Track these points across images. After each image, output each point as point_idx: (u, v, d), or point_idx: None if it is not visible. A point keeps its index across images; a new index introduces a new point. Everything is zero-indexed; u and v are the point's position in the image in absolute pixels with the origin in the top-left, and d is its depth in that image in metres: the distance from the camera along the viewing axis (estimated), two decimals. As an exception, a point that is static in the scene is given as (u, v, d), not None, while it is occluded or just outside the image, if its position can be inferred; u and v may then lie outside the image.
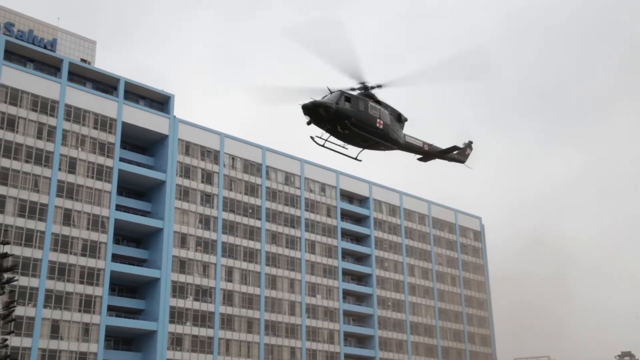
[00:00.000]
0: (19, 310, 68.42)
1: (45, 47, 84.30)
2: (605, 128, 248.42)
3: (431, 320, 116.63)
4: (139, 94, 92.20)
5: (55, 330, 75.22)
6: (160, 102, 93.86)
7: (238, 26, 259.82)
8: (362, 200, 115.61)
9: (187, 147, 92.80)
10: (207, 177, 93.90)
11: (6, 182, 75.85)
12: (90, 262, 79.46)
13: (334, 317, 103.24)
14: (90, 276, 79.11)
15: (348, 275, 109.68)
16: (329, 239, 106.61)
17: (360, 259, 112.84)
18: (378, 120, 30.80)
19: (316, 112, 29.12)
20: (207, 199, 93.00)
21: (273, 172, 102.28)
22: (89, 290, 78.59)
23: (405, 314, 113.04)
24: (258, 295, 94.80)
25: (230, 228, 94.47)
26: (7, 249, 54.43)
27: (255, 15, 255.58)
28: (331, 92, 30.08)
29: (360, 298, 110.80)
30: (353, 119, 29.63)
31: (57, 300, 76.11)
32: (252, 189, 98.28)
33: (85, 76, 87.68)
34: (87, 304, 78.10)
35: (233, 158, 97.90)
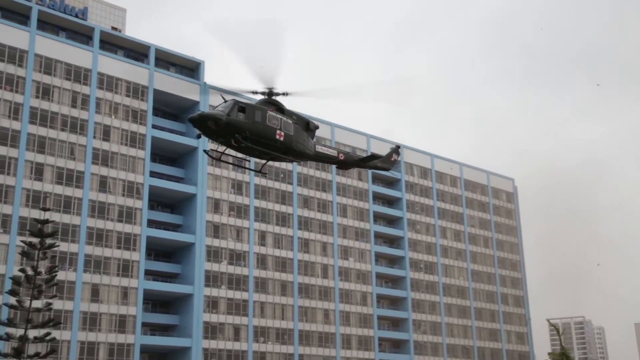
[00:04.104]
0: (61, 275, 70.29)
1: (76, 16, 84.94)
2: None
3: (464, 282, 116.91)
4: (169, 61, 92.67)
5: (95, 293, 77.29)
6: (190, 68, 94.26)
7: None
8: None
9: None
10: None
11: (43, 150, 77.39)
12: (127, 228, 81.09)
13: (367, 279, 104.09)
14: (127, 241, 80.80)
15: (380, 238, 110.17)
16: (360, 202, 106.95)
17: (392, 221, 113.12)
18: (278, 131, 27.11)
19: (204, 126, 25.71)
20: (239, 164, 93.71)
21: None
22: (126, 255, 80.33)
23: (437, 276, 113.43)
24: (291, 258, 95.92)
25: (262, 193, 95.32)
26: (47, 215, 55.73)
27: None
28: (225, 101, 26.60)
29: (393, 260, 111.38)
30: (247, 131, 26.09)
31: (96, 265, 78.03)
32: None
33: (116, 44, 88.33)
34: (125, 268, 79.95)
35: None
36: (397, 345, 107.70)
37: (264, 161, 28.97)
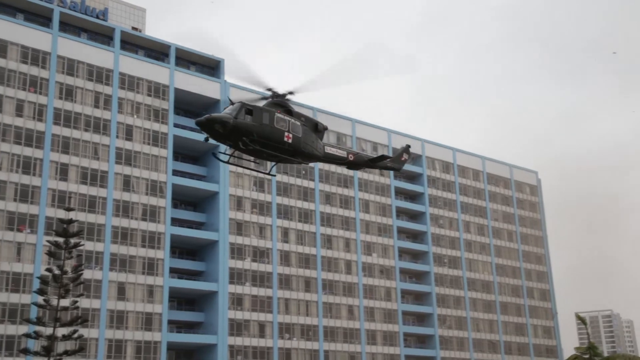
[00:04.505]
0: (87, 274, 70.96)
1: (97, 17, 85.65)
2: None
3: (488, 276, 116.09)
4: (189, 60, 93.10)
5: (121, 292, 77.95)
6: (210, 67, 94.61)
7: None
8: (414, 158, 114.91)
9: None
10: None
11: (68, 151, 78.16)
12: (151, 226, 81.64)
13: (391, 275, 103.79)
14: (151, 240, 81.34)
15: (403, 233, 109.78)
16: (382, 197, 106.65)
17: (415, 217, 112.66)
18: (286, 133, 26.89)
19: (212, 129, 25.45)
20: (261, 161, 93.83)
21: (325, 133, 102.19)
22: (150, 253, 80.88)
23: (462, 271, 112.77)
24: (314, 255, 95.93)
25: (284, 190, 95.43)
26: (71, 215, 56.27)
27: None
28: (232, 104, 26.43)
29: (416, 256, 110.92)
30: (255, 134, 25.84)
31: (121, 263, 78.65)
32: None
33: (137, 44, 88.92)
34: (150, 266, 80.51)
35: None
36: (423, 341, 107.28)
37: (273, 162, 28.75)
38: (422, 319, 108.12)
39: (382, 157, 32.95)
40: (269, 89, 27.57)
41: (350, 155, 31.21)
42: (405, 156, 35.06)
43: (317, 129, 29.28)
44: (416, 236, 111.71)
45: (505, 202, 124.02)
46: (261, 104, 27.24)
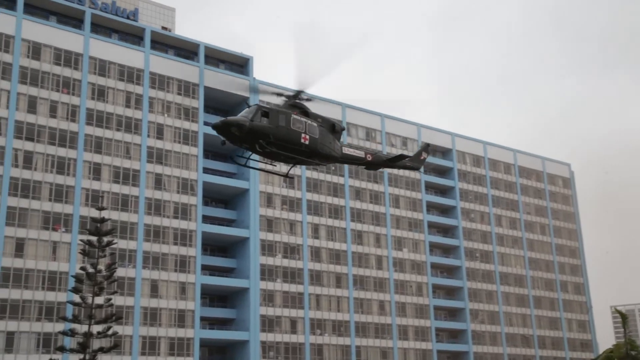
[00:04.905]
0: (120, 272, 72.12)
1: (128, 17, 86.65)
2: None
3: (521, 270, 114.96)
4: (218, 58, 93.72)
5: (154, 289, 79.00)
6: (239, 64, 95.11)
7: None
8: (444, 152, 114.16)
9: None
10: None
11: (100, 150, 79.36)
12: (183, 224, 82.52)
13: (422, 269, 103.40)
14: (183, 237, 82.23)
15: (434, 228, 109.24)
16: (412, 192, 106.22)
17: (446, 211, 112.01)
18: (303, 135, 26.77)
19: (228, 132, 25.46)
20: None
21: (354, 129, 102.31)
22: (182, 250, 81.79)
23: (494, 265, 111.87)
24: (345, 250, 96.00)
25: (314, 186, 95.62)
26: (104, 214, 57.18)
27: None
28: (249, 106, 26.48)
29: (447, 250, 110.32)
30: (271, 136, 25.78)
31: (154, 261, 79.69)
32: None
33: (166, 43, 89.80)
34: (182, 264, 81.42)
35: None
36: (455, 336, 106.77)
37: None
38: (454, 313, 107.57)
39: (401, 157, 32.82)
40: (279, 94, 27.63)
41: (368, 156, 31.07)
42: (424, 155, 34.92)
43: (335, 129, 29.05)
44: (447, 231, 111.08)
45: (538, 195, 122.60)
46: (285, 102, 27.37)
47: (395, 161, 32.45)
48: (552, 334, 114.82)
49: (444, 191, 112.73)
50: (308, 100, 27.89)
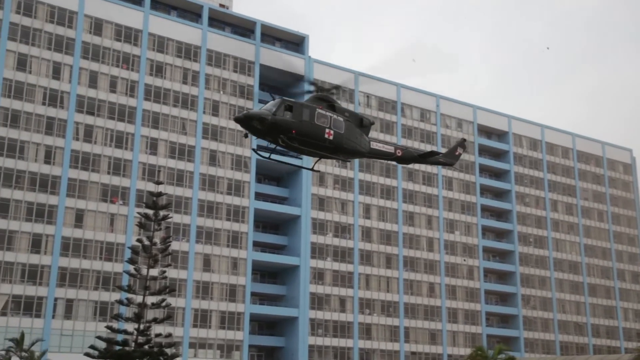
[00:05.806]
0: (175, 245, 73.72)
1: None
2: None
3: (576, 256, 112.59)
4: (274, 36, 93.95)
5: (207, 263, 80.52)
6: (295, 43, 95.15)
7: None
8: (500, 135, 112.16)
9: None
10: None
11: (157, 126, 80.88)
12: (236, 200, 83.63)
13: (473, 253, 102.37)
14: (235, 213, 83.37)
15: (487, 211, 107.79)
16: (466, 175, 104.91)
17: (500, 195, 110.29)
18: (327, 130, 26.11)
19: (250, 125, 25.35)
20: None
21: (408, 109, 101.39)
22: (235, 226, 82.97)
23: (548, 251, 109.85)
24: (396, 231, 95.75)
25: (366, 166, 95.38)
26: (161, 188, 58.29)
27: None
28: (273, 99, 26.07)
29: (500, 234, 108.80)
30: (294, 131, 25.32)
31: (207, 236, 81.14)
32: (387, 127, 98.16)
33: (223, 21, 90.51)
34: (234, 239, 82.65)
35: (368, 96, 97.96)
36: (506, 320, 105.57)
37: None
38: (505, 298, 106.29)
39: (432, 153, 32.01)
40: (313, 83, 27.16)
41: (398, 151, 30.12)
42: (460, 150, 33.80)
43: (362, 124, 28.32)
44: (500, 214, 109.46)
45: (597, 181, 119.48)
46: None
47: (426, 157, 31.68)
48: (607, 322, 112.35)
49: (498, 174, 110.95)
50: (337, 88, 27.35)
